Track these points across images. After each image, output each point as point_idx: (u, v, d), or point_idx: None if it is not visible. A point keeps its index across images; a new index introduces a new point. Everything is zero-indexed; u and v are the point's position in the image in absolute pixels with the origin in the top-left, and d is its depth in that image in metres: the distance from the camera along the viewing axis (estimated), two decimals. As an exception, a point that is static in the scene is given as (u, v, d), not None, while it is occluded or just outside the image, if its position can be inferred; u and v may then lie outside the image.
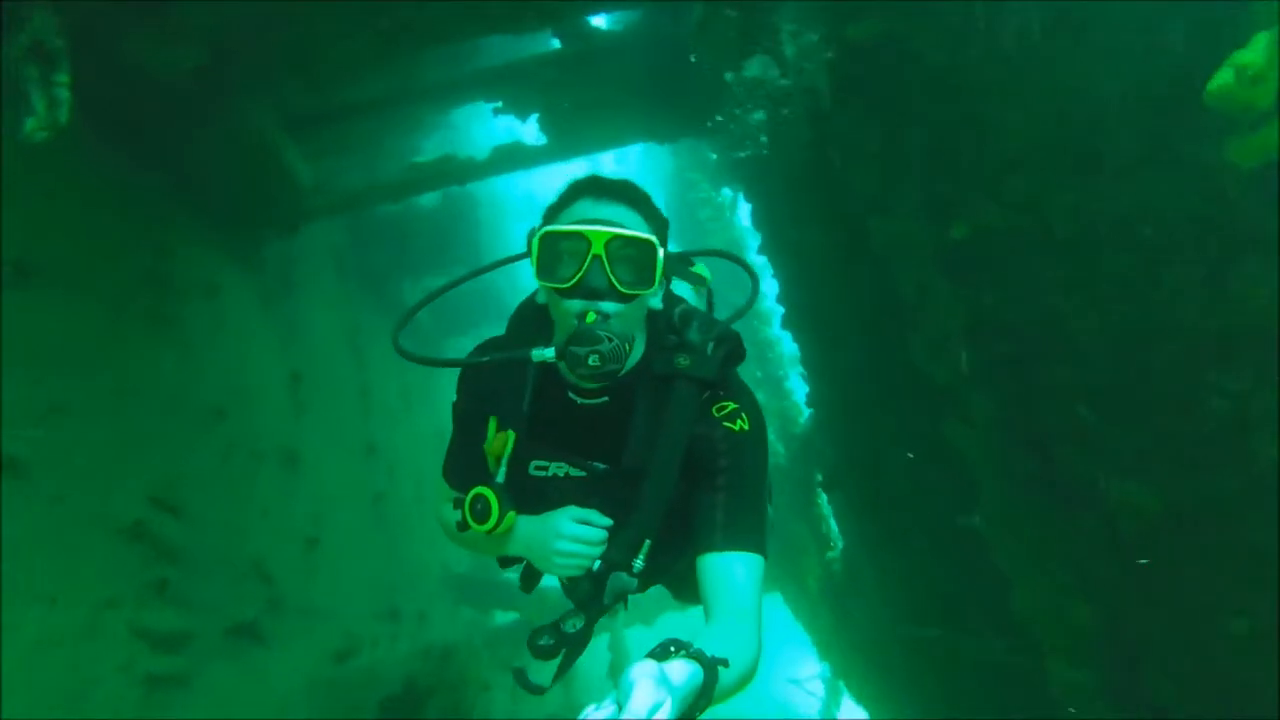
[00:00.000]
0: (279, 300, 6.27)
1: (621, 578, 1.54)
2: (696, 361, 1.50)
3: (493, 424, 1.59)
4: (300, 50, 4.59)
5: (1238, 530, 2.51)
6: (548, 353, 1.44)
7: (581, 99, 5.95)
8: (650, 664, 0.90)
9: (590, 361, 1.38)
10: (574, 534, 1.53)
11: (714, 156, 8.76)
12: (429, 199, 9.20)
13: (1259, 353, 2.19)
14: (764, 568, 1.46)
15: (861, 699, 7.01)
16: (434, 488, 1.79)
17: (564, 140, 6.10)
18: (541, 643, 1.57)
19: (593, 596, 1.56)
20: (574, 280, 1.40)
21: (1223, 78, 1.82)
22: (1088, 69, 2.50)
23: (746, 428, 1.50)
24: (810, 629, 8.23)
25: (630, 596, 1.67)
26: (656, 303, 1.53)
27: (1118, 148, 2.38)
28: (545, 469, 1.62)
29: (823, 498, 7.11)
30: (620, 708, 0.83)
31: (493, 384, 1.60)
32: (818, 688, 8.59)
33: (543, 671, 1.64)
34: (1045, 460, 3.34)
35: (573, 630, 1.58)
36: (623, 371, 1.46)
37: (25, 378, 3.40)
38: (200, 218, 5.33)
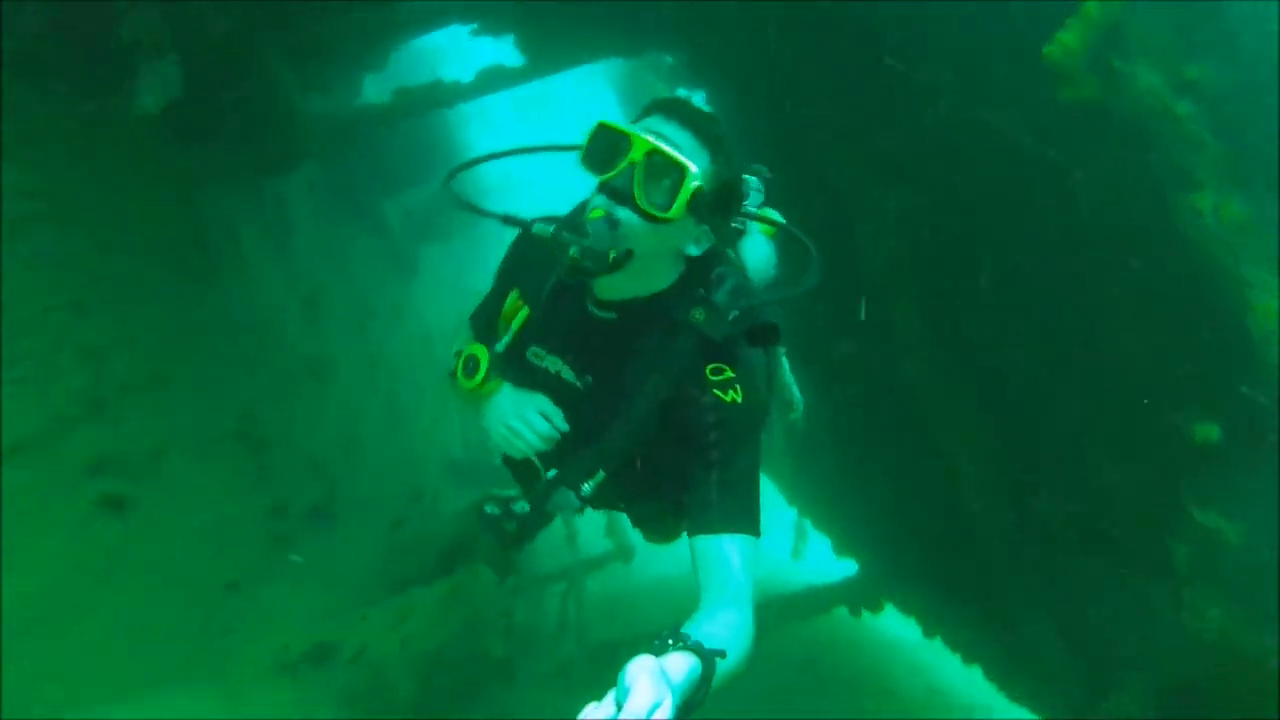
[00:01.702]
0: (284, 229, 6.96)
1: (568, 495, 1.56)
2: (709, 319, 1.49)
3: (514, 294, 1.64)
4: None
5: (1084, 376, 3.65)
6: (547, 229, 1.47)
7: (553, 19, 6.56)
8: (649, 660, 0.88)
9: (570, 251, 1.41)
10: (528, 419, 1.59)
11: (670, 60, 9.38)
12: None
13: (1099, 252, 3.23)
14: (757, 546, 1.43)
15: (822, 529, 8.49)
16: (457, 324, 1.88)
17: (540, 59, 6.75)
18: (488, 509, 1.64)
19: (537, 501, 1.61)
20: (605, 178, 1.44)
21: (1052, 48, 2.83)
22: (974, 47, 3.44)
23: (739, 400, 1.47)
24: (777, 481, 9.63)
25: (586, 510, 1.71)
26: (693, 249, 1.53)
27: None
28: (540, 358, 1.66)
29: (785, 366, 8.31)
30: (619, 707, 0.82)
31: (534, 258, 1.62)
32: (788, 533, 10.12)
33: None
34: (957, 329, 4.46)
35: (520, 511, 1.63)
36: (615, 282, 1.49)
37: (144, 316, 4.22)
38: (213, 157, 5.92)
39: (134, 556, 3.42)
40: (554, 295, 1.62)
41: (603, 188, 1.45)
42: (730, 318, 1.50)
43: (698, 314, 1.49)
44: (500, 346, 1.64)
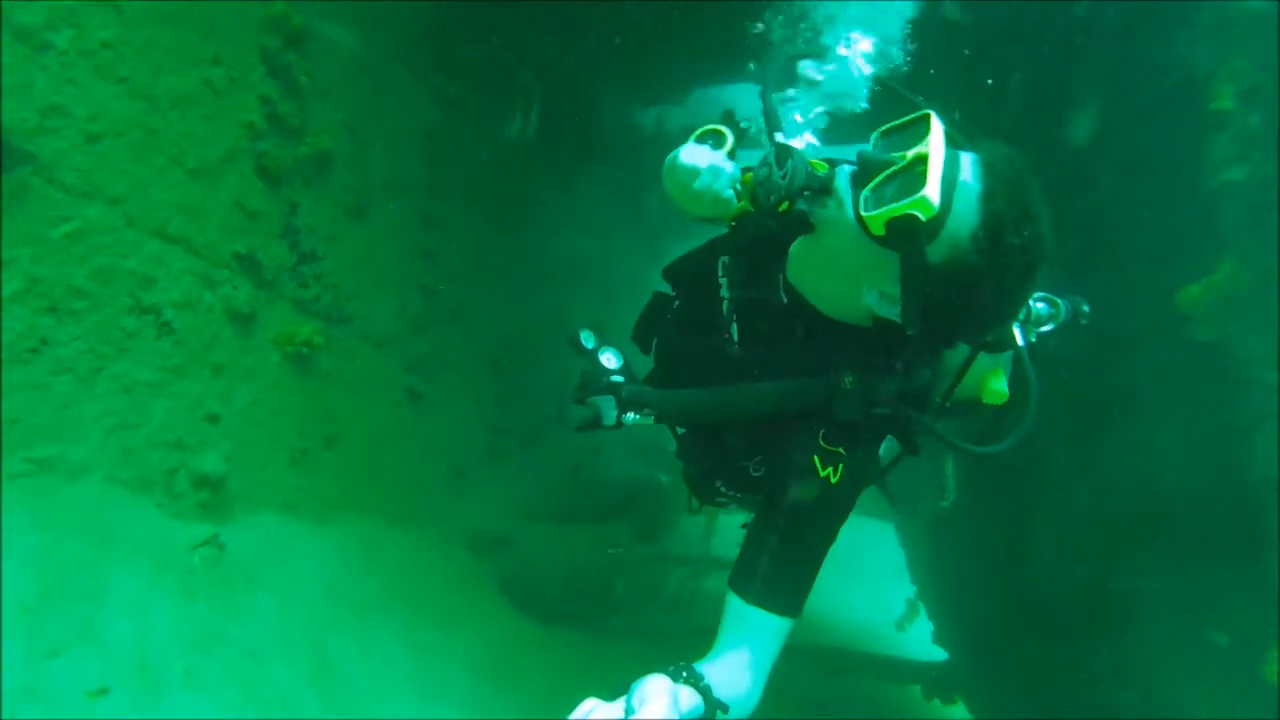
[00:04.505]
0: (572, 204, 8.66)
1: (609, 402, 1.55)
2: (850, 397, 1.41)
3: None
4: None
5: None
6: (772, 150, 1.39)
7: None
8: (667, 681, 0.95)
9: (760, 173, 1.38)
10: (721, 173, 1.49)
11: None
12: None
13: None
14: (791, 626, 1.39)
15: (931, 615, 9.01)
16: None
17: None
18: (583, 336, 1.64)
19: (582, 391, 1.59)
20: (870, 153, 1.33)
21: (1181, 296, 3.51)
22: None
23: (834, 480, 1.39)
24: (909, 557, 10.18)
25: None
26: (873, 300, 1.37)
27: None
28: (726, 271, 1.63)
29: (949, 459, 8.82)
30: (629, 711, 0.90)
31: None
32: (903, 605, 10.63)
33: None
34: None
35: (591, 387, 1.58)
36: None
37: (466, 263, 5.95)
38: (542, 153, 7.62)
39: (418, 431, 5.14)
40: (769, 231, 1.52)
41: (860, 159, 1.33)
42: (874, 411, 1.42)
43: (849, 380, 1.41)
44: (736, 172, 1.54)
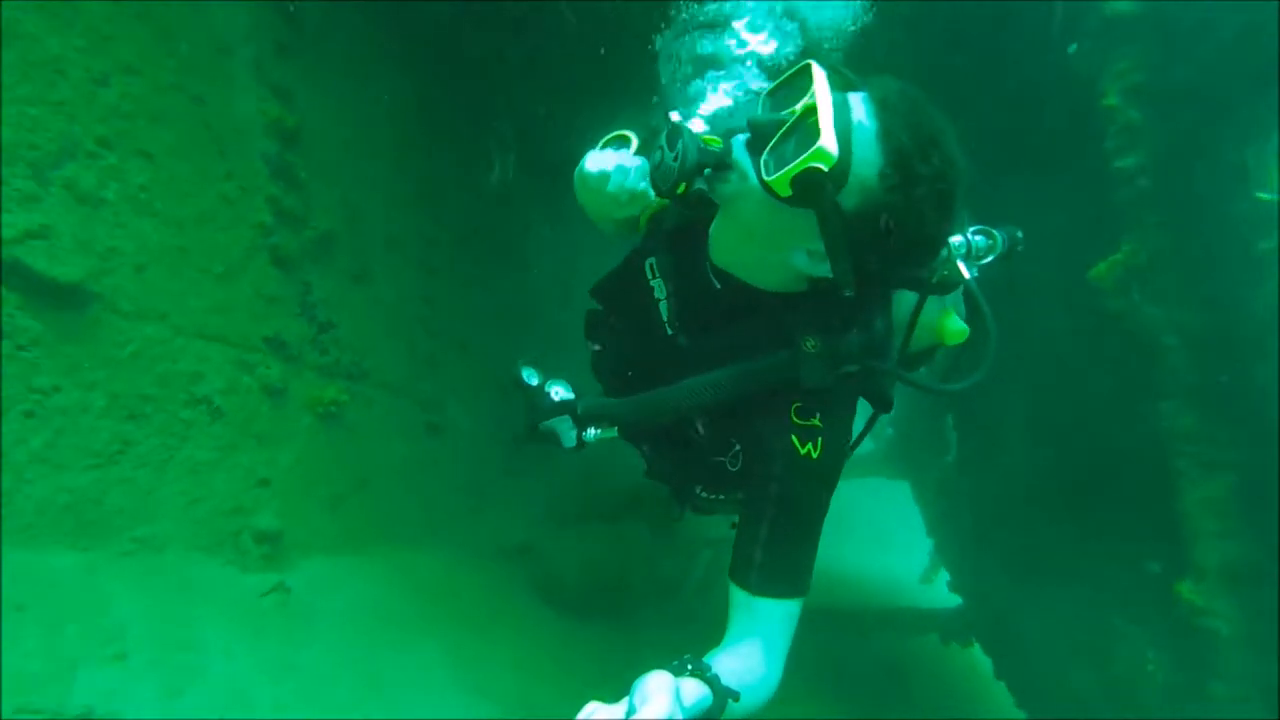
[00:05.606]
0: (562, 228, 9.20)
1: (566, 423, 1.56)
2: (815, 361, 1.37)
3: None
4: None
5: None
6: (666, 131, 1.36)
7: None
8: (666, 677, 0.95)
9: (655, 157, 1.37)
10: (629, 169, 1.46)
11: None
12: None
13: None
14: (799, 605, 1.36)
15: (951, 571, 9.59)
16: None
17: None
18: (524, 373, 1.65)
19: (534, 416, 1.60)
20: (757, 118, 1.31)
21: (1094, 271, 4.02)
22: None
23: (815, 455, 1.36)
24: (924, 513, 10.75)
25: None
26: (802, 261, 1.34)
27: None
28: (653, 274, 1.60)
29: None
30: (630, 710, 0.90)
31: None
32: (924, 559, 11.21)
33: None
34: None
35: (541, 406, 1.59)
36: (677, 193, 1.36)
37: (466, 300, 6.54)
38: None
39: (438, 461, 5.76)
40: (689, 224, 1.53)
41: (751, 124, 1.32)
42: (842, 369, 1.40)
43: (811, 343, 1.38)
44: (642, 183, 1.50)
